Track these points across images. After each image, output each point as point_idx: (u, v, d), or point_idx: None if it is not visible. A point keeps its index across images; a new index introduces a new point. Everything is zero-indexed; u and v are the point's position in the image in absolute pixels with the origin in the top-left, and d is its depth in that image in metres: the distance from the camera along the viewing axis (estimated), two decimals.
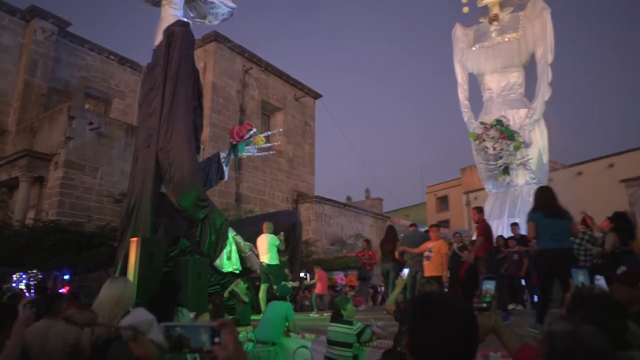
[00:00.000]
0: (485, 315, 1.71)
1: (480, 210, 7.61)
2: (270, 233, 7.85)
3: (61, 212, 12.27)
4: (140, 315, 1.51)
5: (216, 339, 1.00)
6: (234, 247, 7.40)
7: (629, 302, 2.21)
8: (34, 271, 9.52)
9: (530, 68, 12.09)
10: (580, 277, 2.74)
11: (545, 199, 5.26)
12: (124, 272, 5.74)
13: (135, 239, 5.68)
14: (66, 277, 10.44)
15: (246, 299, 6.99)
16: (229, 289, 6.95)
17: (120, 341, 1.50)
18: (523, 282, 8.94)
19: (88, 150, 13.29)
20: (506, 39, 11.88)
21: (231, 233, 7.36)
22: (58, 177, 12.71)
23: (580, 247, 6.94)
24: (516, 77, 12.03)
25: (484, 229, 7.24)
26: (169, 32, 6.75)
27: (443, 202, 36.41)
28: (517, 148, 10.83)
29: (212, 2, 7.39)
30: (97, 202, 13.22)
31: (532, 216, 5.25)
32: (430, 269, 7.32)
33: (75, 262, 10.27)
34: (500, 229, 10.90)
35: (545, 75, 11.12)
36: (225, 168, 8.02)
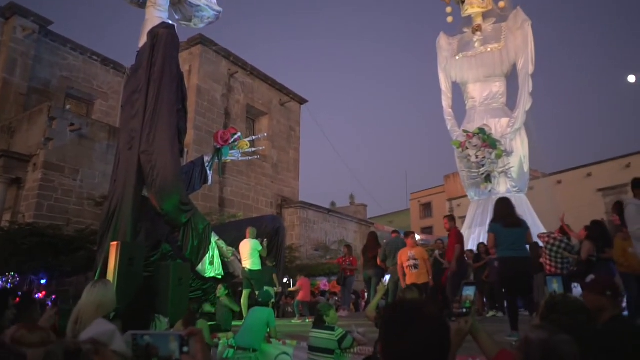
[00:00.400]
0: (463, 319, 1.74)
1: (451, 218, 7.84)
2: (254, 238, 7.81)
3: (39, 215, 11.98)
4: (101, 327, 1.49)
5: (185, 349, 0.99)
6: (216, 252, 7.33)
7: (598, 310, 2.25)
8: (12, 273, 9.27)
9: (512, 78, 12.33)
10: (554, 285, 2.80)
11: (503, 210, 5.49)
12: (103, 277, 5.63)
13: (115, 243, 5.58)
14: (43, 281, 10.19)
15: (236, 308, 6.94)
16: (220, 292, 6.80)
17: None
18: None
19: (68, 151, 13.03)
20: (489, 49, 12.11)
21: (214, 238, 7.29)
22: (37, 179, 12.42)
23: (557, 254, 7.07)
24: (498, 86, 12.26)
25: (458, 236, 7.32)
26: (154, 34, 6.69)
27: (427, 208, 36.73)
28: (498, 156, 11.01)
29: (198, 5, 7.35)
30: (77, 205, 12.95)
31: (491, 227, 5.52)
32: (417, 277, 7.11)
33: (52, 267, 10.04)
34: (483, 236, 11.04)
35: (526, 86, 11.36)
36: (209, 172, 7.96)
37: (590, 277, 4.01)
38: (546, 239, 7.36)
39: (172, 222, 6.61)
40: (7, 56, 15.35)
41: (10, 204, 12.86)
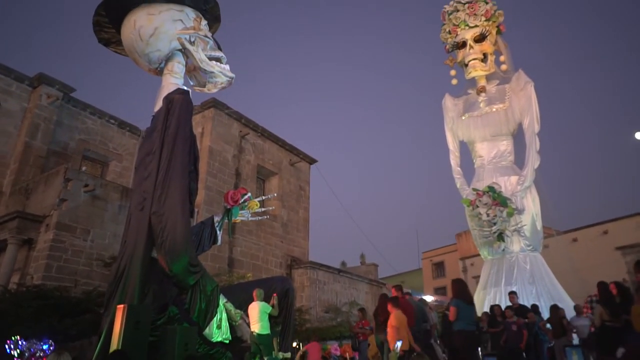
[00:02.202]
0: None
1: (398, 288, 8.56)
2: (261, 301, 7.61)
3: (47, 276, 11.91)
4: None
5: None
6: (224, 315, 7.13)
7: None
8: (50, 341, 9.00)
9: (519, 136, 12.50)
10: (573, 357, 2.65)
11: (463, 289, 6.98)
12: (107, 340, 5.48)
13: (121, 306, 5.48)
14: (45, 347, 9.90)
15: None
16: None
17: None
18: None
19: (81, 212, 13.20)
20: (494, 109, 12.40)
21: (222, 300, 7.12)
22: (48, 240, 12.49)
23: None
24: (505, 145, 12.40)
25: (404, 305, 7.73)
26: (169, 99, 6.98)
27: (439, 268, 35.91)
28: (510, 214, 10.90)
29: (212, 72, 7.71)
30: (85, 266, 12.90)
31: (455, 302, 6.82)
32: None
33: (57, 331, 9.80)
34: (498, 297, 10.68)
35: (533, 144, 11.49)
36: (218, 232, 7.94)
37: (621, 350, 3.76)
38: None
39: (180, 284, 6.51)
40: (30, 122, 16.06)
41: (19, 265, 12.86)
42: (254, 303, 7.59)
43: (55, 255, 12.37)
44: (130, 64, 7.71)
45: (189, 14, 7.33)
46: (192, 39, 7.39)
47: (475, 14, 12.46)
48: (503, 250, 11.38)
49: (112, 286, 6.35)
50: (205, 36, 7.61)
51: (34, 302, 9.69)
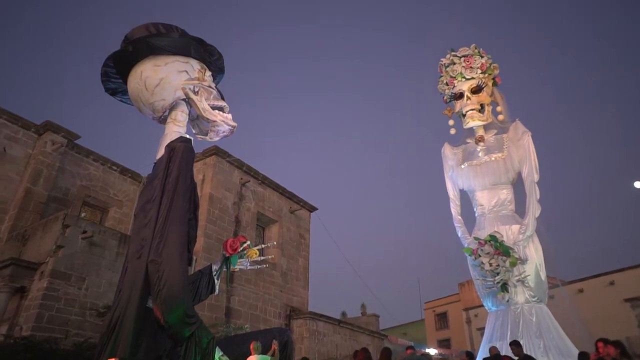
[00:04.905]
0: None
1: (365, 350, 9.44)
2: (259, 354, 7.34)
3: (38, 327, 11.54)
4: None
5: None
6: None
7: None
8: None
9: (519, 185, 12.52)
10: None
11: (389, 356, 8.66)
12: None
13: (113, 359, 5.26)
14: None
15: None
16: None
17: None
18: None
19: (77, 259, 13.00)
20: (493, 158, 12.50)
21: (218, 353, 6.85)
22: (41, 288, 12.21)
23: None
24: (505, 194, 12.40)
25: None
26: (171, 147, 7.04)
27: (442, 319, 34.89)
28: (513, 264, 10.70)
29: (214, 121, 7.84)
30: (78, 315, 12.54)
31: None
32: None
33: None
34: (504, 350, 10.26)
35: (533, 193, 11.48)
36: (216, 281, 7.76)
37: None
38: None
39: (175, 335, 6.27)
40: (34, 168, 16.19)
41: (9, 315, 12.48)
42: (251, 357, 7.32)
43: (47, 304, 12.04)
44: (135, 112, 7.86)
45: (194, 66, 7.56)
46: (196, 89, 7.58)
47: (471, 67, 12.86)
48: (507, 301, 11.08)
49: (104, 337, 6.11)
50: (209, 86, 7.81)
51: (21, 355, 9.31)
